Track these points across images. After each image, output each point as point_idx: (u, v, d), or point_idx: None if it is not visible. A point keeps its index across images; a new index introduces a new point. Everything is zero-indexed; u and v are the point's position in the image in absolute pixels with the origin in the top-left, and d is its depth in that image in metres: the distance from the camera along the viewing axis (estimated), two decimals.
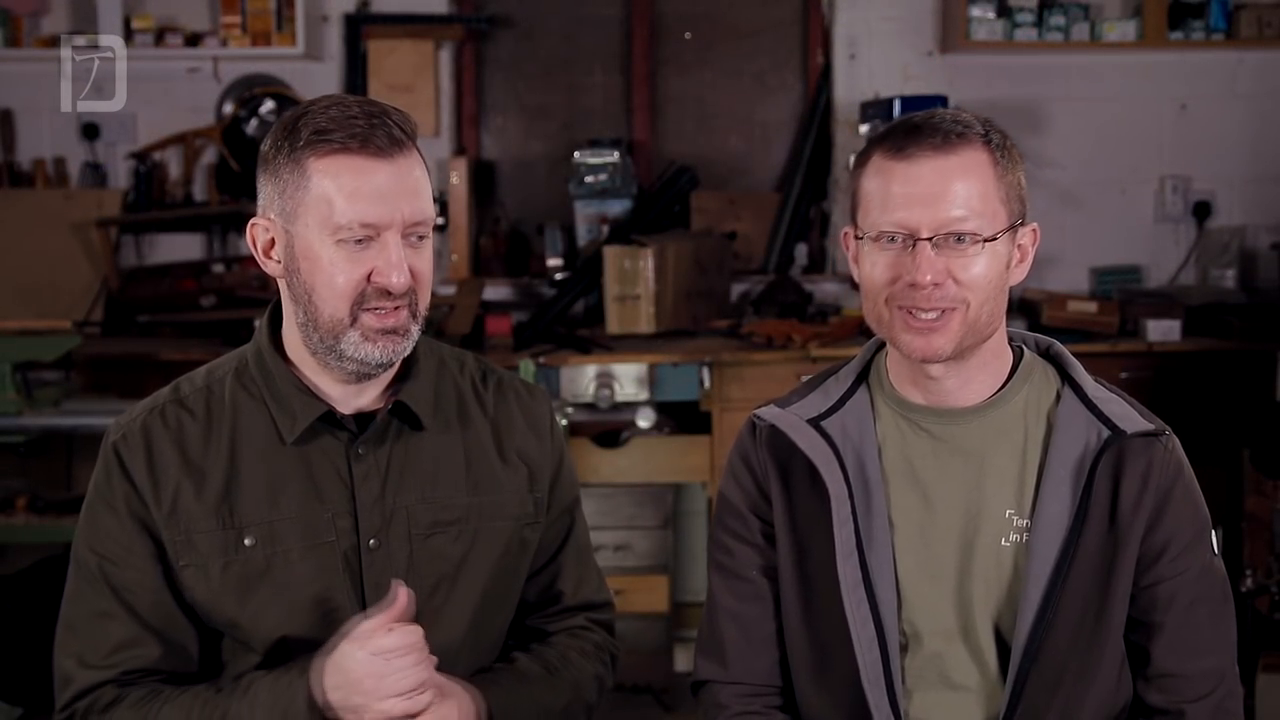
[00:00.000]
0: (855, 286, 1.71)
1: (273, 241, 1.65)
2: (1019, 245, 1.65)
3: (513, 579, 1.77)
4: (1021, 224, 1.64)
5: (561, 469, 1.82)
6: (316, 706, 1.57)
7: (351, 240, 1.58)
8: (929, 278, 1.57)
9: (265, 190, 1.64)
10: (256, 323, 1.75)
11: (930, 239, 1.57)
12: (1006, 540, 1.64)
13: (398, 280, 1.59)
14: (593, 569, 1.88)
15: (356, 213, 1.57)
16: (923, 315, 1.59)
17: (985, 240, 1.58)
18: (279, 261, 1.65)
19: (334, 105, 1.60)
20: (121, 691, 1.63)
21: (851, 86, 4.57)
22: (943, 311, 1.59)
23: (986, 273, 1.59)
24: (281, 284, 1.67)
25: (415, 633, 1.57)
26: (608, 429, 4.18)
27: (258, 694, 1.60)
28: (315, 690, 1.57)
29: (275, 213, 1.63)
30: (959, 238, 1.58)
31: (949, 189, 1.58)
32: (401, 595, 1.57)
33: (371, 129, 1.58)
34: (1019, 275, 1.67)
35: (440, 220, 4.54)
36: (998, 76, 4.52)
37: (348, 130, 1.57)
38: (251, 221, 1.67)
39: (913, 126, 1.61)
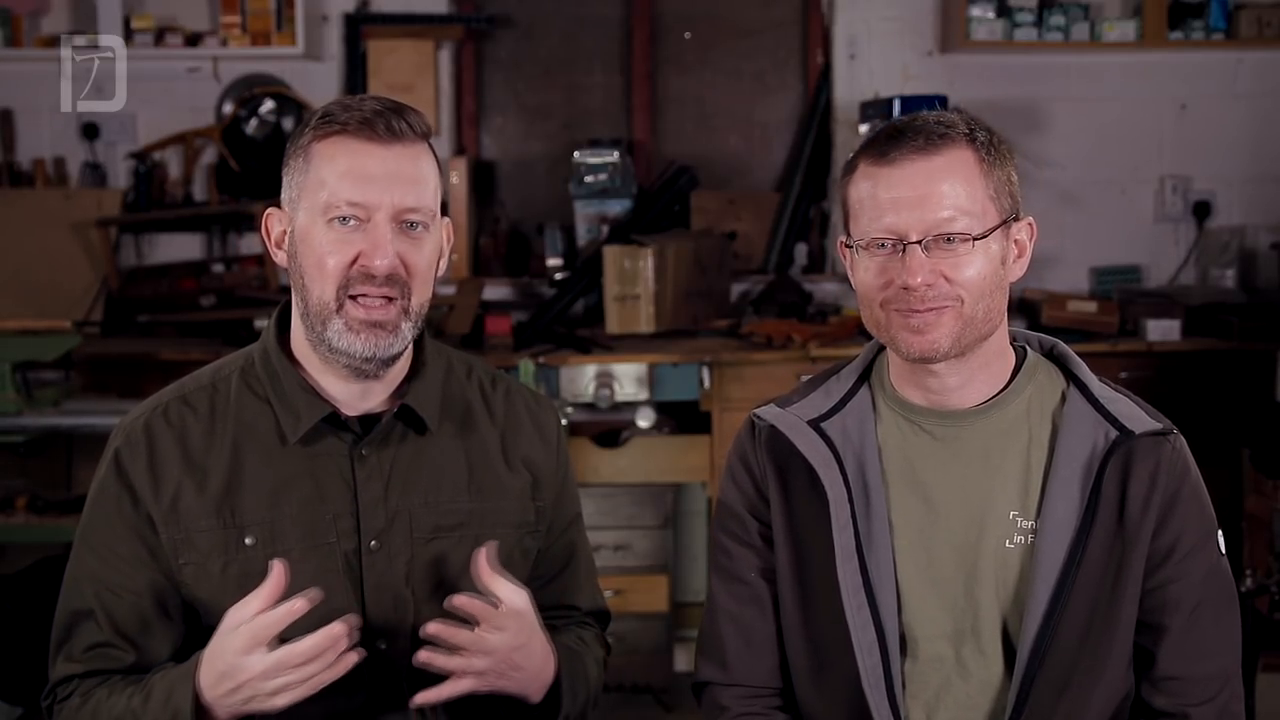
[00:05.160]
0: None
1: (285, 232, 1.67)
2: (1015, 240, 1.64)
3: None
4: (1015, 219, 1.63)
5: (566, 480, 1.83)
6: (202, 705, 1.54)
7: (340, 221, 1.59)
8: (919, 279, 1.56)
9: (284, 182, 1.67)
10: (258, 323, 1.76)
11: (919, 242, 1.57)
12: (1011, 542, 1.63)
13: (380, 262, 1.58)
14: (596, 579, 1.90)
15: (345, 192, 1.59)
16: (917, 313, 1.59)
17: (975, 239, 1.58)
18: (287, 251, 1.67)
19: (353, 99, 1.64)
20: (86, 684, 1.65)
21: (851, 86, 4.57)
22: (938, 308, 1.58)
23: (980, 271, 1.58)
24: (290, 278, 1.69)
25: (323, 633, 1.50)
26: (608, 429, 4.18)
27: (153, 687, 1.59)
28: (199, 686, 1.54)
29: (287, 202, 1.66)
30: (948, 238, 1.57)
31: (935, 190, 1.57)
32: (278, 570, 1.52)
33: (375, 116, 1.60)
34: (1018, 271, 1.66)
35: None
36: (998, 76, 4.52)
37: (351, 115, 1.60)
38: (267, 211, 1.69)
39: (895, 131, 1.60)
